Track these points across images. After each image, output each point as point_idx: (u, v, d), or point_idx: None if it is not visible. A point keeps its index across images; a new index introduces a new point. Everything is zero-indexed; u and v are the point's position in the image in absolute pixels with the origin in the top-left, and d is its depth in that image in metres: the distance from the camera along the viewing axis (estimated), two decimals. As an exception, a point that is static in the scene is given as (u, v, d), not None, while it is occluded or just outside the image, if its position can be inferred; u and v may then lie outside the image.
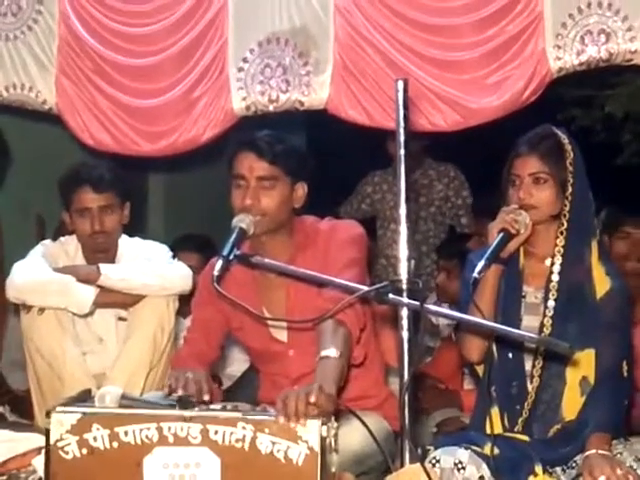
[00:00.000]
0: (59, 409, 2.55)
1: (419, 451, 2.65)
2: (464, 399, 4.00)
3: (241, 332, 3.17)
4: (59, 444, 2.52)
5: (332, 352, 2.76)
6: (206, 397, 2.69)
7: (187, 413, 2.51)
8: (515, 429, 2.83)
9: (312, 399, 2.49)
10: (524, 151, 2.88)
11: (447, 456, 2.60)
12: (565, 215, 2.85)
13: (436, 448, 2.66)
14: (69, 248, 3.81)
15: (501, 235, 2.81)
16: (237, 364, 4.29)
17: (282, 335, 3.10)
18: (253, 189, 2.97)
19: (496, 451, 2.65)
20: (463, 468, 2.58)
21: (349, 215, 5.50)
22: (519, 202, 2.85)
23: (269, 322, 3.08)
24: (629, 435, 2.81)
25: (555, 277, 2.85)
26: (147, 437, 2.50)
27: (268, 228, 2.99)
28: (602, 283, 2.83)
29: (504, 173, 2.93)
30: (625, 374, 2.80)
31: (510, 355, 2.87)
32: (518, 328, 2.78)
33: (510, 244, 2.83)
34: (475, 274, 2.72)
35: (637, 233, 3.86)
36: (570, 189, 2.84)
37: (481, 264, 2.73)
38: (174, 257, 3.90)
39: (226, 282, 2.92)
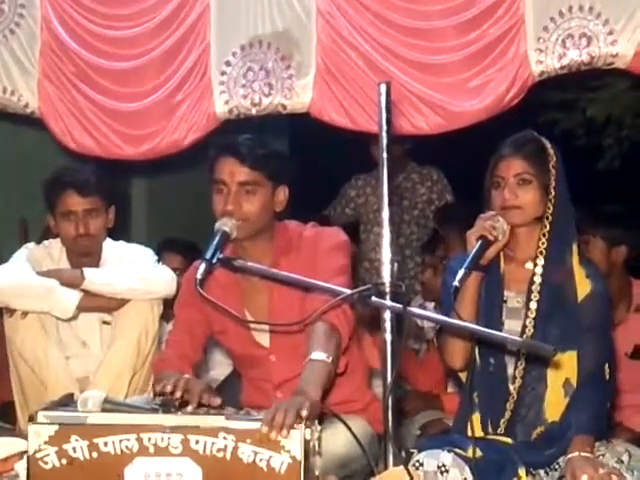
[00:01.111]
0: (39, 417, 2.53)
1: (403, 454, 2.66)
2: (445, 402, 4.00)
3: (223, 335, 3.17)
4: (38, 455, 2.50)
5: (323, 356, 2.76)
6: (189, 408, 2.66)
7: (168, 423, 2.49)
8: (498, 431, 2.84)
9: (304, 413, 2.48)
10: (508, 153, 2.89)
11: (430, 459, 2.60)
12: (548, 218, 2.86)
13: (419, 451, 2.67)
14: (53, 252, 3.80)
15: (480, 243, 2.82)
16: (220, 368, 4.29)
17: (264, 339, 3.09)
18: (234, 194, 2.96)
19: (479, 454, 2.65)
20: (446, 471, 2.58)
21: (333, 219, 5.50)
22: (503, 203, 2.86)
23: (251, 326, 3.08)
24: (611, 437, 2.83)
25: (537, 279, 2.86)
26: (127, 447, 2.48)
27: (250, 233, 2.99)
28: (583, 286, 2.85)
29: (487, 176, 2.94)
30: (607, 377, 2.81)
31: (492, 360, 2.87)
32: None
33: (489, 251, 2.84)
34: (455, 283, 2.73)
35: (596, 241, 3.87)
36: (553, 192, 2.86)
37: (461, 273, 2.74)
38: (158, 259, 3.90)
39: (209, 285, 2.92)
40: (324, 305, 2.79)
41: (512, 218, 2.87)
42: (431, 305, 4.46)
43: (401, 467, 2.55)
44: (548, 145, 2.91)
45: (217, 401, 2.70)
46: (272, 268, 2.93)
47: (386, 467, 2.67)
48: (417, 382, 4.24)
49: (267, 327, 3.05)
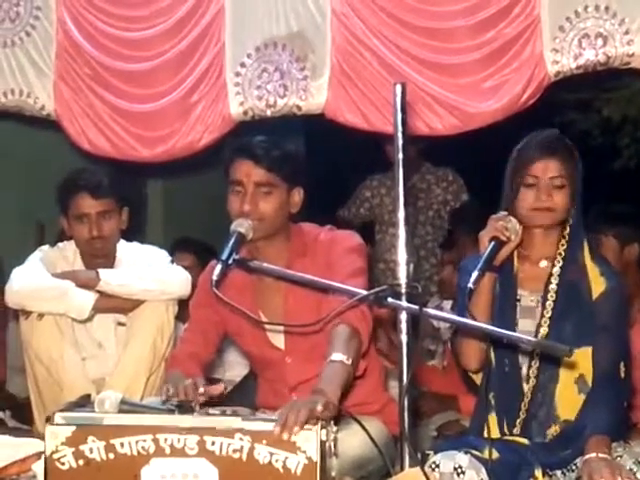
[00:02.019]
0: (56, 418, 2.54)
1: (419, 456, 2.65)
2: (462, 404, 3.99)
3: (239, 336, 3.18)
4: (55, 456, 2.50)
5: (343, 357, 2.76)
6: (201, 393, 2.68)
7: (183, 424, 2.49)
8: (514, 431, 2.83)
9: (319, 408, 2.47)
10: (544, 154, 2.85)
11: (447, 460, 2.59)
12: (569, 220, 2.87)
13: (435, 452, 2.66)
14: (68, 254, 3.81)
15: (493, 244, 2.81)
16: (237, 368, 4.29)
17: (279, 341, 3.09)
18: (251, 195, 2.97)
19: (496, 455, 2.64)
20: (463, 472, 2.57)
21: (348, 220, 5.50)
22: (537, 204, 2.83)
23: (267, 327, 3.08)
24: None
25: (555, 280, 2.85)
26: (143, 448, 2.48)
27: (265, 233, 3.00)
28: (598, 284, 2.84)
29: (512, 175, 2.89)
30: (623, 375, 2.80)
31: (507, 360, 2.86)
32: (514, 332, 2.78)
33: (502, 251, 2.83)
34: (470, 285, 2.72)
35: (608, 240, 3.86)
36: (577, 196, 2.87)
37: (475, 275, 2.73)
38: (172, 258, 3.91)
39: (224, 286, 2.92)
40: (339, 304, 2.79)
41: (543, 220, 2.85)
42: (448, 305, 4.45)
43: (417, 468, 2.54)
44: (571, 144, 2.91)
45: (218, 388, 2.74)
46: (287, 270, 2.94)
47: (402, 468, 2.66)
48: (436, 384, 4.22)
49: (282, 329, 3.05)
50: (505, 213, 2.86)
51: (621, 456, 2.67)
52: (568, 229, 2.87)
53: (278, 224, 3.03)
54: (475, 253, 4.00)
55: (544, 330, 2.82)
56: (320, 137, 5.79)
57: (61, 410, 2.59)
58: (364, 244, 3.11)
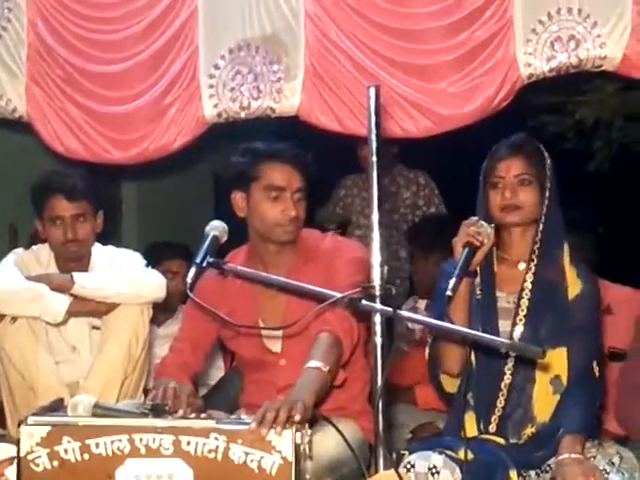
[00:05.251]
0: (30, 421, 2.52)
1: (394, 456, 2.66)
2: (418, 394, 3.97)
3: (234, 341, 3.18)
4: (29, 457, 2.49)
5: (322, 365, 2.76)
6: (180, 412, 2.66)
7: (159, 424, 2.49)
8: (489, 428, 2.84)
9: (297, 418, 2.47)
10: (507, 154, 2.91)
11: (421, 461, 2.60)
12: (542, 219, 2.88)
13: (411, 453, 2.67)
14: (42, 257, 3.78)
15: (466, 250, 2.83)
16: (211, 372, 4.28)
17: (276, 346, 3.10)
18: (296, 201, 3.02)
19: (471, 456, 2.65)
20: (437, 472, 2.58)
21: (326, 219, 5.48)
22: (503, 202, 2.87)
23: (263, 333, 3.09)
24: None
25: (529, 279, 2.87)
26: (119, 449, 2.47)
27: (295, 237, 3.06)
28: (574, 285, 2.87)
29: (482, 180, 2.95)
30: (597, 375, 2.82)
31: (485, 361, 2.88)
32: (493, 333, 2.80)
33: (476, 256, 2.86)
34: (448, 292, 2.74)
35: None
36: (548, 193, 2.88)
37: (452, 282, 2.75)
38: (155, 265, 3.90)
39: (223, 291, 2.97)
40: (329, 313, 2.82)
41: (511, 218, 2.89)
42: (422, 304, 4.45)
43: (391, 470, 2.55)
44: (543, 147, 2.94)
45: (198, 402, 2.78)
46: (289, 277, 2.94)
47: (377, 471, 2.67)
48: (391, 375, 4.19)
49: (279, 333, 3.06)
50: (476, 218, 2.89)
51: (595, 457, 2.69)
52: (542, 227, 2.88)
53: (301, 228, 3.08)
54: (425, 268, 4.08)
55: (519, 330, 2.84)
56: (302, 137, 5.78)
57: (34, 414, 2.58)
58: (367, 258, 2.94)
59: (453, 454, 2.65)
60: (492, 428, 2.84)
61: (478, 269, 2.93)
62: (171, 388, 2.78)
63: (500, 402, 2.84)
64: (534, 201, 2.88)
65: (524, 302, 2.86)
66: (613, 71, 3.57)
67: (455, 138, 3.89)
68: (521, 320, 2.85)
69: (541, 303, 2.85)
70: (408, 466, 2.60)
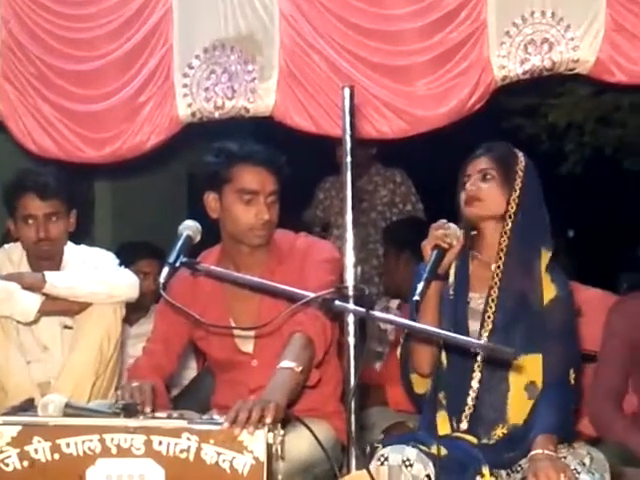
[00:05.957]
0: (0, 421, 2.51)
1: (368, 449, 2.66)
2: (389, 394, 3.98)
3: (205, 342, 3.18)
4: None
5: (295, 366, 2.76)
6: (147, 409, 2.66)
7: (131, 424, 2.48)
8: (460, 426, 2.84)
9: (268, 420, 2.47)
10: (478, 155, 2.96)
11: (395, 454, 2.60)
12: (510, 217, 2.89)
13: (384, 446, 2.67)
14: (13, 256, 3.76)
15: (435, 252, 2.84)
16: (183, 372, 4.27)
17: (248, 347, 3.10)
18: (269, 204, 3.01)
19: (444, 451, 2.67)
20: (410, 465, 2.58)
21: (310, 223, 5.49)
22: (464, 196, 2.90)
23: (235, 333, 3.09)
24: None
25: (497, 280, 2.88)
26: (89, 449, 2.46)
27: (267, 240, 3.05)
28: (548, 290, 2.87)
29: (458, 182, 2.97)
30: (572, 381, 2.82)
31: (457, 360, 2.89)
32: (462, 334, 2.80)
33: (446, 258, 2.86)
34: (416, 297, 2.74)
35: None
36: (518, 191, 2.89)
37: (421, 285, 2.75)
38: (127, 264, 3.88)
39: (195, 292, 2.97)
40: (301, 314, 2.82)
41: (472, 210, 2.91)
42: (395, 304, 4.46)
43: (363, 471, 2.55)
44: (520, 153, 2.96)
45: (164, 399, 2.81)
46: (263, 277, 2.94)
47: (349, 471, 2.67)
48: (362, 376, 4.20)
49: (251, 334, 3.05)
50: (444, 221, 2.90)
51: (565, 457, 2.69)
52: (510, 225, 2.88)
53: (274, 230, 3.08)
54: (396, 268, 4.23)
55: (486, 332, 2.84)
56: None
57: (4, 414, 2.57)
58: (340, 258, 2.99)
59: (426, 449, 2.66)
60: (463, 426, 2.85)
61: (453, 269, 2.95)
62: (138, 388, 2.76)
63: (472, 400, 2.85)
64: (495, 195, 2.89)
65: (491, 303, 2.87)
66: (586, 74, 3.59)
67: (431, 138, 3.90)
68: (489, 319, 2.85)
69: (514, 308, 2.85)
70: (382, 459, 2.60)
